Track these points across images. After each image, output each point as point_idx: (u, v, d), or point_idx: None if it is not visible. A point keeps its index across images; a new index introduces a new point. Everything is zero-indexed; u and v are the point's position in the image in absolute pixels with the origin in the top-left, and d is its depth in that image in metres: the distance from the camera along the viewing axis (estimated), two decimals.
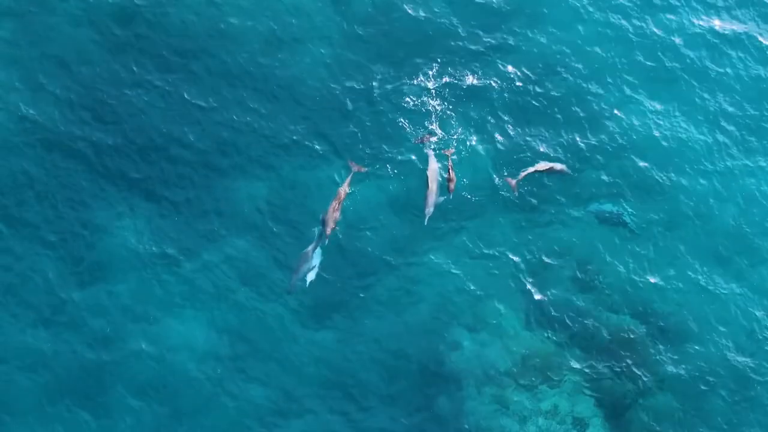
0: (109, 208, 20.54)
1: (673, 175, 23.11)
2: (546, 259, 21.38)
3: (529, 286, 21.00)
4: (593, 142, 23.21)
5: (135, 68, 22.38)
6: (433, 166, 21.00)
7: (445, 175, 21.01)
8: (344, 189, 20.30)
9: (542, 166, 21.84)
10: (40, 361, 18.68)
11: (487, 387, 19.65)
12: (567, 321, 20.72)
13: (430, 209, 20.50)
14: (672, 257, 21.93)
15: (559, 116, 23.39)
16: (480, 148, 22.44)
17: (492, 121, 23.02)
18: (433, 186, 20.64)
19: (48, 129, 21.28)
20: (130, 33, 22.78)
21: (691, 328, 21.08)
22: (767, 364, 20.97)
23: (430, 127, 22.50)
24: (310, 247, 19.52)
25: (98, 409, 18.47)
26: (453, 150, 21.67)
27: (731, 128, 24.19)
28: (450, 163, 21.26)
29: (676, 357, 20.67)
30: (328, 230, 19.57)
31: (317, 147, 21.95)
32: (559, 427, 19.48)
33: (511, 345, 20.22)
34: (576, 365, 20.21)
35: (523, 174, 21.69)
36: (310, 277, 19.44)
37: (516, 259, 21.27)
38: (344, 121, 22.44)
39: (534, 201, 22.09)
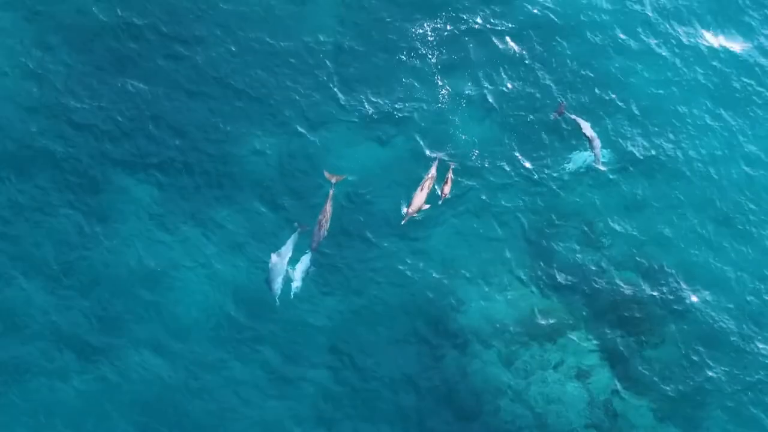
0: (118, 172, 20.72)
1: (673, 135, 23.36)
2: (551, 219, 21.64)
3: (534, 246, 21.26)
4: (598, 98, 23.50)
5: (141, 37, 22.58)
6: (432, 173, 20.55)
7: (442, 182, 20.57)
8: (329, 205, 19.75)
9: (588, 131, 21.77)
10: (48, 322, 18.88)
11: (493, 344, 19.93)
12: (572, 279, 20.99)
13: (411, 211, 20.06)
14: (675, 215, 22.22)
15: (568, 77, 23.77)
16: (485, 108, 22.74)
17: (498, 82, 23.24)
18: (423, 191, 20.23)
19: (57, 94, 21.45)
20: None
21: (694, 284, 21.34)
22: None
23: (440, 84, 22.63)
24: (284, 249, 19.20)
25: (108, 362, 18.75)
26: (455, 164, 21.20)
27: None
28: (451, 173, 20.82)
29: (680, 312, 20.92)
30: (315, 244, 19.32)
31: (325, 109, 22.16)
32: (565, 381, 19.76)
33: (517, 303, 20.48)
34: (581, 321, 20.47)
35: (578, 120, 21.98)
36: (296, 283, 19.13)
37: (521, 219, 21.52)
38: (348, 83, 22.70)
39: (541, 161, 22.33)
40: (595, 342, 20.33)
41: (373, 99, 22.59)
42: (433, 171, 20.53)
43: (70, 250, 19.68)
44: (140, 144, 21.16)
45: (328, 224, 19.52)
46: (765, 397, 20.34)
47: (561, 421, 19.36)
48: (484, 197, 21.61)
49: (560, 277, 20.97)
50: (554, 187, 21.97)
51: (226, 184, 20.98)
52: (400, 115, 22.47)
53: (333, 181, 20.24)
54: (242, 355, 19.16)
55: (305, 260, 19.23)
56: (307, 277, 19.24)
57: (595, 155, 21.78)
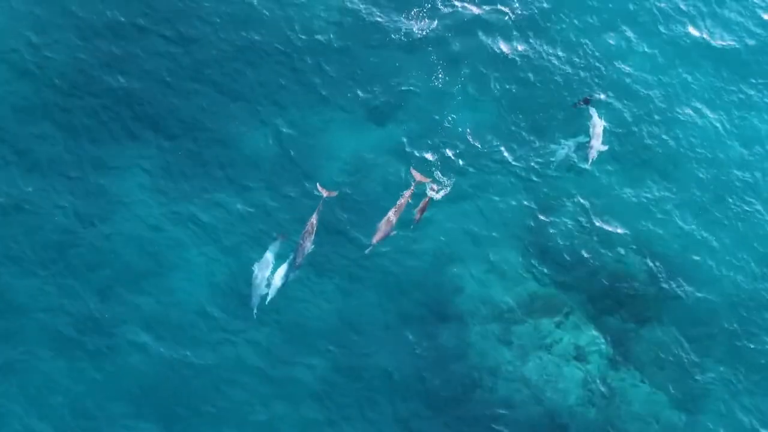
0: (120, 151, 20.86)
1: (668, 124, 23.55)
2: (547, 205, 21.81)
3: (530, 230, 21.42)
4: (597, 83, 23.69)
5: (147, 15, 22.73)
6: (401, 202, 19.82)
7: (417, 209, 19.89)
8: (314, 218, 19.36)
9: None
10: (48, 303, 19.02)
11: (491, 325, 20.09)
12: (568, 262, 21.15)
13: (376, 240, 19.45)
14: (671, 200, 22.40)
15: (564, 66, 23.94)
16: (481, 98, 22.94)
17: (494, 67, 23.47)
18: (389, 221, 19.54)
19: (65, 70, 21.57)
20: None
21: (690, 267, 21.54)
22: (764, 298, 21.48)
23: (433, 74, 22.87)
24: (264, 260, 19.02)
25: (104, 345, 18.88)
26: (437, 189, 20.71)
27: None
28: (428, 200, 20.22)
29: (675, 293, 21.11)
30: (299, 259, 19.05)
31: (325, 93, 22.36)
32: (561, 361, 19.93)
33: (514, 285, 20.65)
34: (577, 303, 20.64)
35: (594, 116, 21.86)
36: (272, 292, 18.87)
37: (517, 205, 21.70)
38: (341, 75, 22.87)
39: (536, 144, 22.47)
40: (590, 323, 20.49)
41: (368, 90, 22.73)
42: (403, 200, 19.81)
43: (67, 234, 19.76)
44: (137, 133, 21.29)
45: (313, 238, 19.20)
46: (759, 376, 20.56)
47: (557, 400, 19.53)
48: (479, 183, 21.78)
49: (556, 261, 21.14)
50: (550, 174, 22.14)
51: (224, 171, 21.12)
52: (394, 105, 22.63)
53: (324, 195, 19.90)
54: (242, 338, 19.30)
55: (283, 271, 18.93)
56: (285, 286, 19.00)
57: (590, 153, 21.71)
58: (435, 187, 20.73)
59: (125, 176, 20.59)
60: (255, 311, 18.84)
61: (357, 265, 20.35)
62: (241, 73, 22.36)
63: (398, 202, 19.66)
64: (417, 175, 20.51)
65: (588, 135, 21.86)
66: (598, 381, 19.86)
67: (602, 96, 22.83)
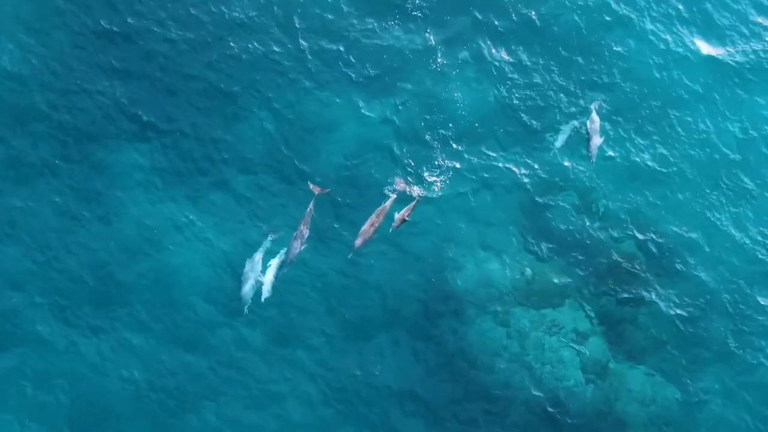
0: (114, 147, 20.91)
1: (668, 108, 23.62)
2: (546, 189, 21.89)
3: (529, 214, 21.52)
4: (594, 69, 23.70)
5: (137, 15, 22.71)
6: (385, 206, 19.52)
7: (399, 214, 19.32)
8: (309, 212, 19.27)
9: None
10: (49, 284, 19.16)
11: (489, 308, 20.22)
12: (567, 246, 21.27)
13: (358, 244, 19.18)
14: (669, 184, 22.50)
15: (563, 53, 23.96)
16: (480, 82, 22.98)
17: (493, 50, 23.46)
18: (371, 226, 19.20)
19: (55, 61, 21.62)
20: None
21: (688, 249, 21.66)
22: (763, 285, 21.62)
23: (435, 59, 22.88)
24: (255, 257, 18.96)
25: (103, 329, 19.05)
26: (421, 197, 20.54)
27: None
28: (411, 207, 19.59)
29: (673, 275, 21.24)
30: (291, 257, 18.96)
31: (325, 77, 22.40)
32: (560, 344, 20.06)
33: (513, 268, 20.75)
34: (576, 286, 20.75)
35: (594, 115, 21.65)
36: (264, 289, 18.75)
37: (516, 189, 21.78)
38: (345, 55, 22.93)
39: (537, 128, 22.56)
40: (590, 306, 20.60)
41: (363, 76, 22.74)
42: (384, 206, 19.49)
43: (62, 230, 19.88)
44: (134, 123, 21.36)
45: (306, 236, 19.08)
46: (758, 357, 20.68)
47: (555, 382, 19.68)
48: (478, 168, 21.84)
49: (555, 245, 21.25)
50: (548, 159, 22.20)
51: (217, 165, 21.17)
52: (394, 88, 22.68)
53: (316, 192, 19.83)
54: (242, 323, 19.41)
55: (274, 268, 18.86)
56: (277, 283, 18.92)
57: (591, 150, 21.51)
58: (418, 195, 20.53)
59: (119, 172, 20.66)
60: (246, 309, 18.87)
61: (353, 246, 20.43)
62: (232, 67, 22.36)
63: (379, 208, 19.44)
64: (400, 184, 20.37)
65: (586, 128, 21.77)
66: (596, 363, 19.98)
67: (602, 101, 22.73)
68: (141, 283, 19.43)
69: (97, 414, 18.22)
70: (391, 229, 19.35)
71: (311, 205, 19.38)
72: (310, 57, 22.70)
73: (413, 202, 19.68)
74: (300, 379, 19.11)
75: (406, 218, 19.29)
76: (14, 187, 20.05)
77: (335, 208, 20.80)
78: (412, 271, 20.42)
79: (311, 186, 20.01)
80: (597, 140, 21.40)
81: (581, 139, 22.06)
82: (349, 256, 19.56)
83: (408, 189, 20.50)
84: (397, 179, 20.59)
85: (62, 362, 18.54)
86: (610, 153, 22.54)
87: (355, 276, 20.10)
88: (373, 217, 19.24)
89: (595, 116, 21.56)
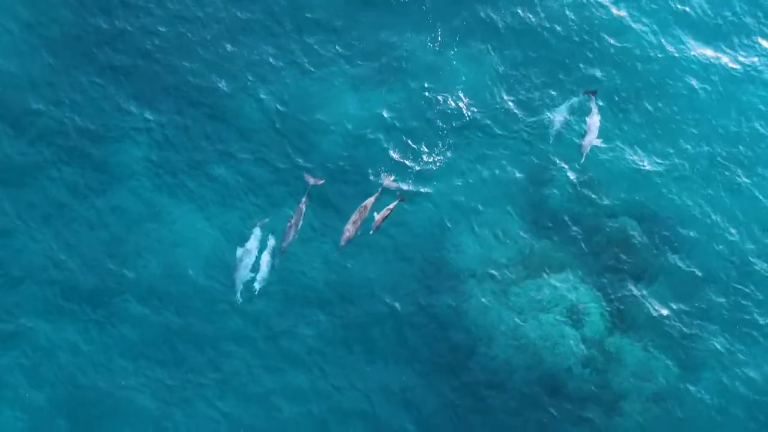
0: (112, 125, 20.98)
1: (666, 84, 23.81)
2: (545, 165, 22.01)
3: (528, 191, 21.66)
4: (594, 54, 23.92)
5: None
6: (369, 201, 19.46)
7: (378, 214, 19.27)
8: (303, 203, 19.31)
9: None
10: (50, 263, 19.21)
11: (488, 284, 20.29)
12: (566, 222, 21.38)
13: (343, 242, 19.19)
14: (668, 161, 22.66)
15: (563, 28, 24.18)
16: (477, 64, 23.11)
17: (489, 41, 23.60)
18: (355, 223, 19.16)
19: (55, 47, 21.68)
20: None
21: (686, 226, 21.81)
22: (761, 260, 21.75)
23: (435, 36, 23.01)
24: (248, 245, 18.95)
25: (105, 308, 19.11)
26: (405, 199, 20.20)
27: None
28: (392, 207, 19.44)
29: (672, 254, 21.36)
30: (285, 245, 18.98)
31: (321, 67, 22.47)
32: (559, 319, 20.15)
33: (512, 245, 20.86)
34: (575, 262, 20.86)
35: (594, 109, 21.51)
36: (258, 280, 18.77)
37: (515, 166, 21.91)
38: (342, 35, 23.09)
39: (532, 114, 22.69)
40: (588, 284, 20.70)
41: (361, 57, 22.87)
42: (368, 202, 19.39)
43: (60, 206, 19.92)
44: (128, 108, 21.40)
45: (299, 226, 19.11)
46: (755, 332, 20.75)
47: (554, 360, 19.75)
48: (476, 148, 21.98)
49: (554, 223, 21.36)
50: (546, 139, 22.24)
51: (215, 143, 21.23)
52: (395, 65, 22.83)
53: (311, 183, 19.88)
54: (237, 313, 19.37)
55: (267, 257, 18.84)
56: (271, 272, 18.95)
57: (583, 148, 21.39)
58: (399, 195, 20.30)
59: (117, 149, 20.72)
60: (238, 296, 18.87)
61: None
62: (231, 46, 22.47)
63: (363, 204, 19.39)
64: (386, 180, 20.30)
65: (585, 123, 21.81)
66: (594, 341, 20.06)
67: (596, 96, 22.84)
68: (137, 276, 19.45)
69: (92, 407, 18.23)
70: (371, 231, 19.32)
71: (305, 197, 19.40)
72: (304, 49, 22.78)
73: (394, 203, 19.56)
74: (298, 344, 19.18)
75: (385, 219, 19.27)
76: (8, 181, 20.10)
77: (330, 195, 20.84)
78: (410, 251, 20.50)
79: (306, 176, 20.05)
80: (592, 138, 21.36)
81: (576, 123, 22.25)
82: (336, 254, 19.57)
83: (394, 185, 20.41)
84: (383, 175, 20.54)
85: (57, 354, 18.53)
86: (609, 135, 22.69)
87: (352, 255, 20.12)
88: (356, 215, 19.23)
89: (595, 114, 21.48)
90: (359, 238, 20.09)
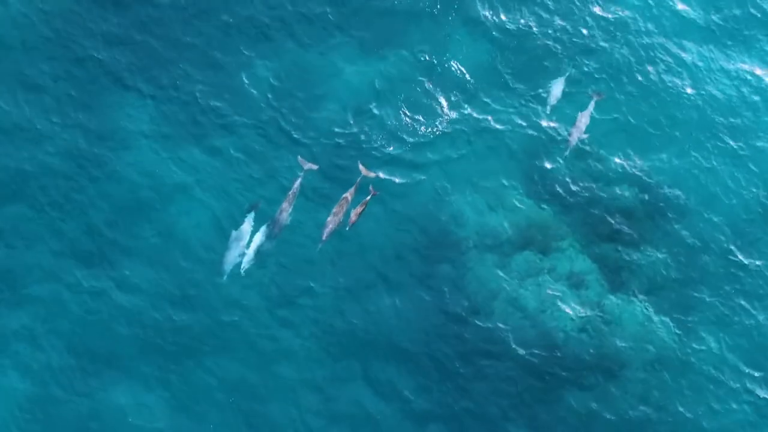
0: (113, 100, 21.04)
1: (667, 56, 23.85)
2: (544, 137, 22.05)
3: (527, 162, 21.72)
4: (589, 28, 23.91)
5: None
6: (349, 193, 19.27)
7: (355, 209, 19.07)
8: (296, 186, 19.14)
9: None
10: (52, 238, 19.35)
11: (488, 254, 20.40)
12: (565, 192, 21.48)
13: (325, 236, 19.06)
14: (668, 131, 22.69)
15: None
16: (477, 36, 23.17)
17: (488, 11, 23.60)
18: (336, 216, 19.00)
19: (56, 23, 21.73)
20: None
21: (686, 195, 21.89)
22: (758, 228, 21.86)
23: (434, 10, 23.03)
24: (243, 228, 18.86)
25: (109, 277, 19.23)
26: (377, 193, 19.67)
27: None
28: (366, 201, 19.30)
29: (670, 220, 21.47)
30: (277, 230, 18.86)
31: (317, 38, 22.51)
32: (558, 286, 20.28)
33: (512, 215, 20.95)
34: (574, 231, 20.96)
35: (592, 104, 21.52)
36: (246, 260, 18.66)
37: (514, 138, 21.94)
38: (341, 9, 23.13)
39: (531, 85, 22.71)
40: (586, 250, 20.81)
41: (361, 36, 22.83)
42: (348, 194, 19.23)
43: (64, 179, 20.01)
44: (129, 84, 21.45)
45: (291, 210, 18.98)
46: (752, 299, 20.90)
47: (554, 325, 19.87)
48: (477, 117, 22.03)
49: (552, 191, 21.43)
50: (542, 114, 22.29)
51: (216, 119, 21.29)
52: (387, 48, 22.74)
53: (305, 167, 19.77)
54: (238, 284, 19.40)
55: (258, 240, 18.73)
56: (260, 255, 18.90)
57: (569, 142, 21.34)
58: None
59: (119, 124, 20.78)
60: (225, 277, 18.85)
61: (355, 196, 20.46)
62: (231, 20, 22.46)
63: (343, 196, 19.24)
64: (363, 170, 19.97)
65: (575, 117, 21.72)
66: (593, 308, 20.20)
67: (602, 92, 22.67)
68: (137, 244, 19.57)
69: (90, 371, 18.34)
70: (347, 227, 19.18)
71: (298, 181, 19.35)
72: (300, 19, 22.80)
73: (368, 197, 19.34)
74: (295, 333, 19.24)
75: (360, 215, 19.11)
76: (13, 149, 20.19)
77: (328, 170, 20.86)
78: (408, 222, 20.58)
79: (300, 160, 20.02)
80: (579, 133, 21.24)
81: (575, 94, 22.31)
82: (318, 248, 19.40)
83: (372, 175, 20.12)
84: (360, 166, 20.12)
85: (57, 319, 18.66)
86: (608, 101, 22.64)
87: (350, 231, 20.06)
88: (337, 207, 19.11)
89: (589, 112, 21.37)
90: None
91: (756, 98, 23.45)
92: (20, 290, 18.78)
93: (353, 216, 19.02)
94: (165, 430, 18.00)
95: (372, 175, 20.05)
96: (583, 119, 21.25)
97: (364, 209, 19.13)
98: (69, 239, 19.39)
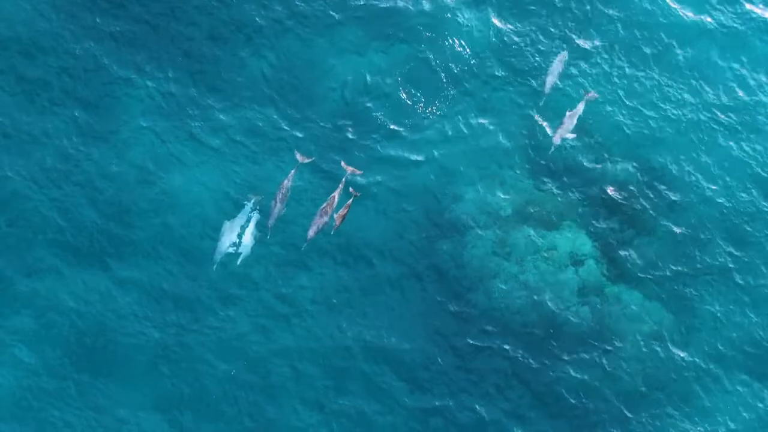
0: (115, 80, 21.24)
1: (668, 38, 23.94)
2: (544, 117, 22.16)
3: (527, 142, 21.86)
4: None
5: None
6: (336, 193, 19.30)
7: (338, 212, 19.09)
8: (288, 182, 19.21)
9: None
10: (54, 223, 19.60)
11: (488, 233, 20.58)
12: (565, 172, 21.66)
13: (311, 235, 19.02)
14: (669, 112, 22.78)
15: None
16: (479, 21, 23.30)
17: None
18: (323, 216, 19.03)
19: (59, 3, 21.97)
20: None
21: (686, 178, 21.99)
22: (761, 207, 21.98)
23: None
24: (237, 220, 19.03)
25: (111, 258, 19.50)
26: (358, 194, 19.58)
27: None
28: (349, 204, 19.13)
29: (670, 201, 21.59)
30: (271, 221, 19.06)
31: (319, 23, 22.66)
32: (557, 266, 20.45)
33: (511, 195, 21.13)
34: (574, 212, 21.14)
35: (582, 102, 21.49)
36: (240, 251, 18.85)
37: (514, 117, 22.11)
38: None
39: (532, 68, 22.88)
40: (587, 230, 20.99)
41: (362, 17, 22.97)
42: (335, 193, 19.26)
43: (70, 159, 20.24)
44: (134, 63, 21.64)
45: (285, 202, 19.12)
46: (751, 280, 21.08)
47: (553, 305, 20.08)
48: (477, 99, 22.20)
49: (552, 173, 21.59)
50: (544, 91, 22.19)
51: (221, 99, 21.49)
52: (388, 33, 22.85)
53: (300, 160, 19.78)
54: (240, 264, 19.49)
55: (251, 231, 18.95)
56: (254, 246, 19.08)
57: (555, 137, 21.26)
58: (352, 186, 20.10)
59: (114, 113, 20.93)
60: (214, 267, 19.02)
61: (352, 180, 20.57)
62: (229, 14, 22.55)
63: (331, 196, 19.28)
64: (348, 168, 19.94)
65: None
66: (592, 286, 20.37)
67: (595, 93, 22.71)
68: (134, 239, 19.76)
69: (97, 349, 18.67)
70: (332, 231, 19.25)
71: (292, 173, 19.41)
72: (297, 13, 22.86)
73: (350, 199, 19.34)
74: (297, 316, 19.48)
75: (344, 217, 19.18)
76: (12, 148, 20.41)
77: (329, 150, 21.11)
78: (409, 203, 20.78)
79: (296, 153, 20.08)
80: (565, 132, 21.16)
81: (575, 76, 22.46)
82: (303, 248, 19.53)
83: (358, 172, 20.18)
84: (343, 164, 20.12)
85: (63, 297, 18.95)
86: (610, 80, 22.87)
87: (352, 205, 20.15)
88: (324, 206, 19.16)
89: (579, 111, 21.26)
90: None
91: (756, 97, 23.41)
92: (18, 288, 19.02)
93: (337, 219, 19.06)
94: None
95: (359, 172, 20.15)
96: (572, 118, 21.20)
97: (347, 212, 19.16)
98: (66, 234, 19.61)
